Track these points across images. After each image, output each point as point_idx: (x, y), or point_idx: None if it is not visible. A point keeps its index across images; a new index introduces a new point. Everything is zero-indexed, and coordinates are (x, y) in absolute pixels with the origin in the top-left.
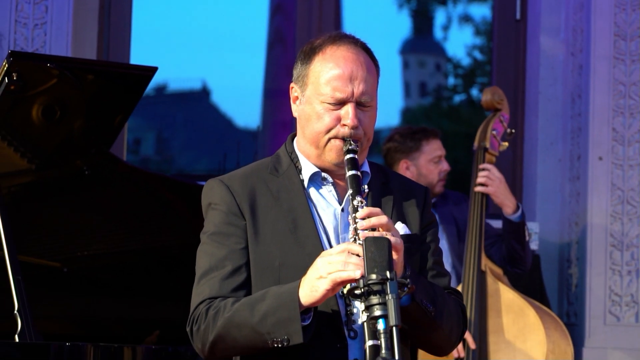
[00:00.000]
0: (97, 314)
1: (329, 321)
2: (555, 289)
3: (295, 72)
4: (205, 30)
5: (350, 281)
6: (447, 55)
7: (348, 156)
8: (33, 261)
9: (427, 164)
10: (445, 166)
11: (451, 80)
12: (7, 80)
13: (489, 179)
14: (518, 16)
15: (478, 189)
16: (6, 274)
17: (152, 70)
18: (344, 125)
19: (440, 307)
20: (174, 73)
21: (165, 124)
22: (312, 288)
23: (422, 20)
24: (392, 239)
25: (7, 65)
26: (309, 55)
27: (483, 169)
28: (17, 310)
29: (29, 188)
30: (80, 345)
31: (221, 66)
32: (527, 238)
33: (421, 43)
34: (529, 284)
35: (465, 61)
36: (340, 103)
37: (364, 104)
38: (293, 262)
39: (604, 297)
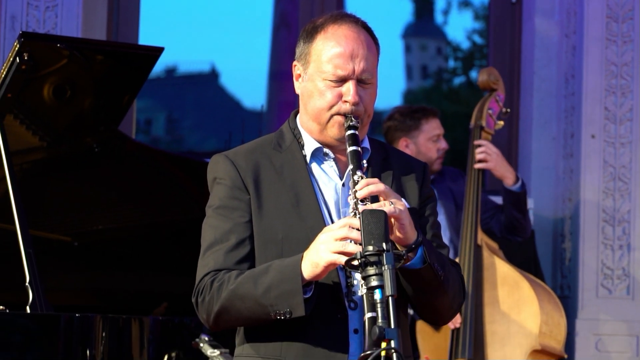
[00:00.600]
0: (107, 286)
1: (329, 292)
2: (550, 263)
3: (298, 51)
4: (214, 14)
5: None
6: (447, 39)
7: (349, 132)
8: (45, 235)
9: (426, 142)
10: (443, 144)
11: (451, 63)
12: (18, 60)
13: (487, 154)
14: None
15: (478, 165)
16: (19, 247)
17: (159, 50)
18: (346, 101)
19: (447, 272)
20: (184, 56)
21: (175, 105)
22: (313, 263)
23: (423, 5)
24: (391, 208)
25: (18, 46)
26: (311, 34)
27: (479, 145)
28: (29, 283)
29: (40, 165)
30: (90, 316)
31: (229, 49)
32: (527, 207)
33: (423, 27)
34: (524, 257)
35: (465, 45)
36: (341, 80)
37: (364, 81)
38: (295, 235)
39: (597, 271)
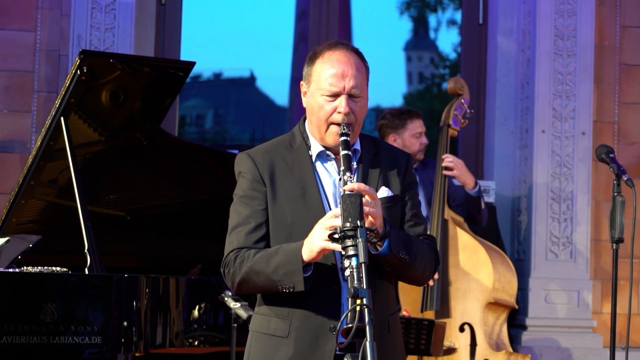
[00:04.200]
0: (153, 251)
1: (327, 268)
2: (509, 233)
3: (303, 73)
4: (253, 33)
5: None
6: (438, 50)
7: (342, 138)
8: (104, 211)
9: (410, 138)
10: (424, 140)
11: (441, 70)
12: (79, 72)
13: (454, 164)
14: (481, 21)
15: (445, 172)
16: (79, 222)
17: (192, 64)
18: (339, 113)
19: (414, 254)
20: (229, 64)
21: (221, 103)
22: (309, 249)
23: (419, 24)
24: (372, 209)
25: (79, 61)
26: (312, 59)
27: (446, 157)
28: (87, 250)
29: (100, 155)
30: (136, 276)
31: (264, 59)
32: (482, 206)
33: (419, 42)
34: (488, 228)
35: (452, 55)
36: (335, 95)
37: (354, 96)
38: (301, 221)
39: (546, 239)
